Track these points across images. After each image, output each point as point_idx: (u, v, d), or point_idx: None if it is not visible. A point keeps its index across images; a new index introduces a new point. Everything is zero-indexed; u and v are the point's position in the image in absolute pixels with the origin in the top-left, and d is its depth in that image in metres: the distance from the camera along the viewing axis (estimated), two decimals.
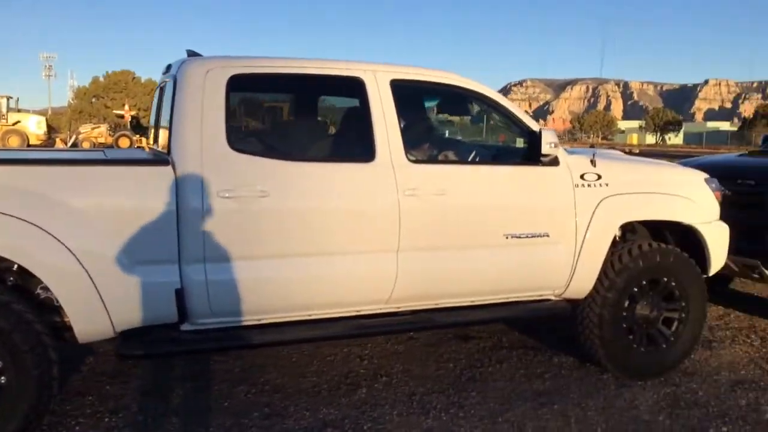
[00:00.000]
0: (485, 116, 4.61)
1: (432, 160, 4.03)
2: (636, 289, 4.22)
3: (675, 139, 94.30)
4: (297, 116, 4.25)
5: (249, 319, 3.45)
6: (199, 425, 3.59)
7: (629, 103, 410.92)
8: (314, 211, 3.46)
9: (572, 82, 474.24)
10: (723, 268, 5.41)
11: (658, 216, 4.27)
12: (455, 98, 4.21)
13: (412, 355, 4.76)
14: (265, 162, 3.42)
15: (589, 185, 4.05)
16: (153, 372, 4.34)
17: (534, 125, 3.96)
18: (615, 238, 4.39)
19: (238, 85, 3.46)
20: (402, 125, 3.72)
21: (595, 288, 4.14)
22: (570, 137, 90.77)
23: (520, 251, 3.92)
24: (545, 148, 3.78)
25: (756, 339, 5.25)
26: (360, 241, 3.56)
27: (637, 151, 46.24)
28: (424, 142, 4.09)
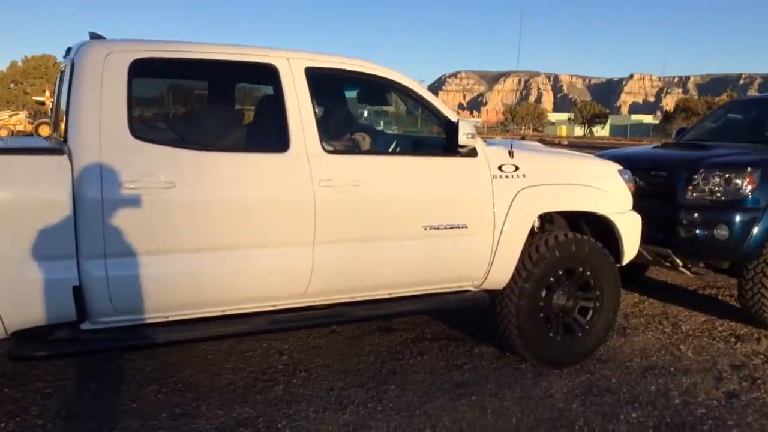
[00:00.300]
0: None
1: (348, 150, 3.95)
2: (552, 279, 4.27)
3: (602, 131, 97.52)
4: (207, 104, 4.08)
5: (155, 317, 3.29)
6: (103, 428, 3.42)
7: (559, 95, 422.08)
8: (224, 203, 3.32)
9: (505, 75, 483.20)
10: (637, 257, 5.57)
11: (573, 207, 4.33)
12: (373, 87, 4.14)
13: (333, 349, 4.68)
14: (171, 152, 3.26)
15: (506, 176, 4.06)
16: (56, 373, 4.11)
17: (452, 116, 3.94)
18: (533, 228, 4.45)
19: (141, 70, 3.27)
20: (318, 114, 3.62)
21: (513, 278, 4.17)
22: (503, 129, 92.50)
23: (438, 243, 3.89)
24: (462, 139, 3.76)
25: (668, 325, 5.42)
26: (273, 233, 3.45)
27: (566, 143, 47.53)
28: (341, 131, 4.01)
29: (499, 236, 4.03)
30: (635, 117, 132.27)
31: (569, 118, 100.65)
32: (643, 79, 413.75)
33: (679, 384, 4.17)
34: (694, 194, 5.22)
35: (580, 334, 4.41)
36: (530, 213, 4.12)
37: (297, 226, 3.49)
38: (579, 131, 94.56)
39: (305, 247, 3.54)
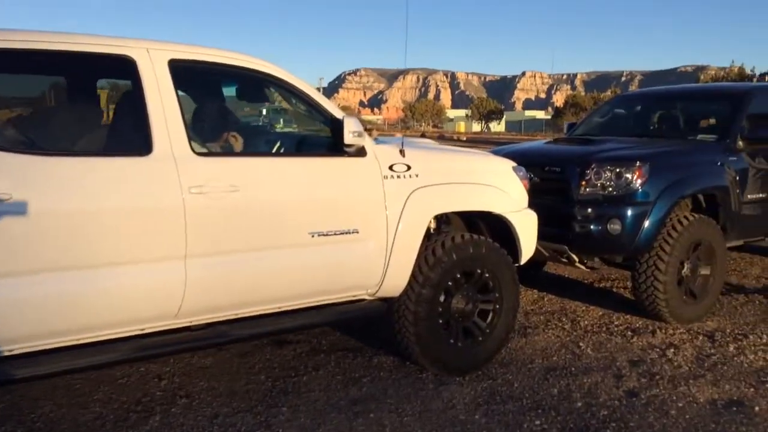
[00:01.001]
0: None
1: (223, 152, 3.56)
2: (451, 283, 4.07)
3: (498, 126, 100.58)
4: (55, 103, 3.58)
5: None
6: None
7: (457, 92, 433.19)
8: (74, 215, 2.86)
9: (404, 72, 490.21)
10: (535, 254, 5.51)
11: (469, 207, 4.14)
12: (249, 83, 3.77)
13: (220, 369, 4.28)
14: (5, 157, 2.76)
15: (398, 176, 3.81)
16: None
17: (337, 113, 3.63)
18: (429, 230, 4.23)
19: None
20: (186, 113, 3.22)
21: (409, 284, 3.93)
22: (403, 126, 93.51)
23: (328, 250, 3.59)
24: (348, 138, 3.47)
25: (567, 322, 5.38)
26: (136, 248, 3.02)
27: (465, 138, 48.54)
28: (215, 131, 3.62)
29: (393, 241, 3.77)
30: (529, 113, 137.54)
31: (467, 115, 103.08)
32: (534, 76, 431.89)
33: (581, 385, 4.07)
34: (587, 189, 5.19)
35: (480, 339, 4.24)
36: (425, 214, 3.89)
37: (164, 239, 3.08)
38: (477, 127, 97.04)
39: (175, 261, 3.13)
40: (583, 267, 5.61)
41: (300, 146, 3.89)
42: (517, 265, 4.47)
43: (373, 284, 3.81)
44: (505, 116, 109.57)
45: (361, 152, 3.69)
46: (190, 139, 3.17)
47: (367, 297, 3.91)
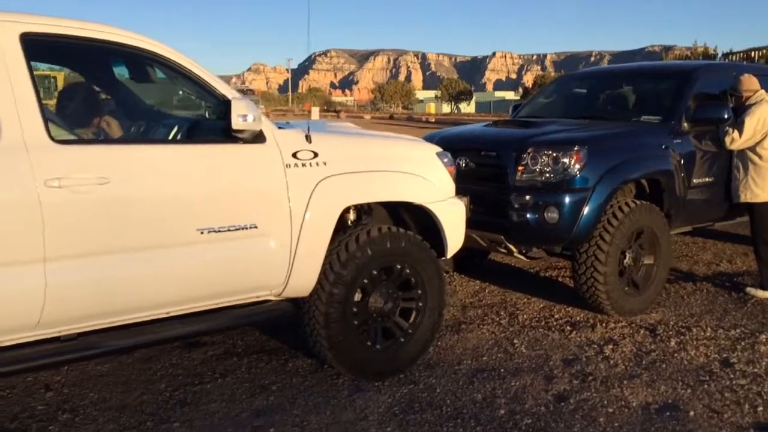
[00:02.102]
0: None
1: (91, 139, 3.14)
2: (367, 281, 3.72)
3: (468, 107, 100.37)
4: None
5: None
6: None
7: (428, 73, 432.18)
8: None
9: (375, 53, 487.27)
10: (472, 244, 5.20)
11: (384, 197, 3.79)
12: (123, 59, 3.34)
13: (116, 377, 3.89)
14: None
15: (303, 165, 3.44)
16: None
17: (229, 93, 3.23)
18: (348, 223, 3.88)
19: None
20: (44, 94, 2.79)
21: (319, 283, 3.57)
22: (372, 107, 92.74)
23: (220, 248, 3.20)
24: (236, 122, 3.07)
25: (505, 316, 5.08)
26: None
27: (433, 120, 48.15)
28: (82, 115, 3.19)
29: (298, 235, 3.40)
30: (498, 93, 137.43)
31: (436, 96, 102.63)
32: (505, 56, 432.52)
33: (507, 389, 3.77)
34: (524, 176, 4.87)
35: (402, 340, 3.91)
36: (334, 206, 3.52)
37: (16, 240, 2.67)
38: (447, 108, 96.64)
39: (32, 265, 2.72)
40: (523, 257, 5.32)
41: (192, 132, 3.48)
42: (442, 258, 4.15)
43: (277, 284, 3.44)
44: (475, 97, 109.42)
45: (258, 138, 3.30)
46: (47, 124, 2.75)
47: (272, 298, 3.55)
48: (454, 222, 4.09)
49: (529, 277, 6.32)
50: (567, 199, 4.73)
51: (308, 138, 3.50)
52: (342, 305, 3.60)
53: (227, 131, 3.13)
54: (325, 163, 3.51)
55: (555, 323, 4.93)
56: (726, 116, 5.31)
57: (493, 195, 4.99)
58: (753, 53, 33.99)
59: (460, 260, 6.17)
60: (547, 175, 4.81)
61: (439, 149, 4.15)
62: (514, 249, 5.09)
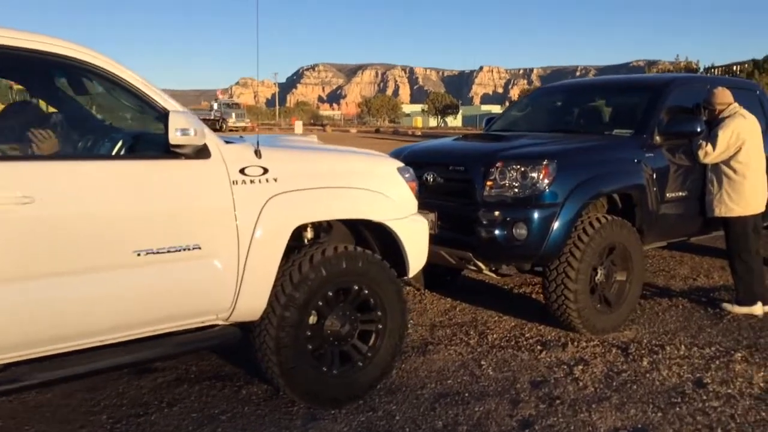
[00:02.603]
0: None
1: (13, 155, 2.96)
2: (322, 303, 3.55)
3: (455, 121, 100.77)
4: None
5: None
6: None
7: (415, 87, 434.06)
8: None
9: (363, 67, 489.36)
10: (441, 261, 5.05)
11: (339, 215, 3.62)
12: (61, 69, 3.16)
13: (58, 408, 3.67)
14: None
15: (252, 181, 3.27)
16: None
17: (169, 106, 3.06)
18: (305, 241, 3.71)
19: None
20: None
21: (270, 306, 3.39)
22: (359, 121, 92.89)
23: (160, 271, 3.02)
24: (174, 137, 2.89)
25: (474, 335, 4.92)
26: None
27: (419, 133, 48.20)
28: (14, 130, 3.01)
29: (246, 256, 3.22)
30: (485, 107, 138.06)
31: (423, 110, 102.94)
32: (492, 71, 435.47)
33: (470, 415, 3.60)
34: (492, 191, 4.73)
35: (361, 364, 3.73)
36: (285, 225, 3.35)
37: None
38: (433, 122, 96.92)
39: None
40: (493, 275, 5.17)
41: (134, 147, 3.30)
42: (405, 277, 3.98)
43: (223, 308, 3.25)
44: (461, 111, 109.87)
45: (202, 153, 3.13)
46: None
47: (220, 322, 3.36)
48: (415, 240, 3.93)
49: (502, 294, 6.16)
50: (536, 215, 4.58)
51: (258, 153, 3.33)
52: (294, 329, 3.42)
53: (167, 146, 2.96)
54: (275, 180, 3.34)
55: (525, 342, 4.76)
56: (698, 129, 5.21)
57: (461, 211, 4.84)
58: (734, 67, 34.35)
59: (432, 277, 6.01)
60: (516, 190, 4.67)
61: (401, 164, 3.99)
62: (483, 266, 4.94)
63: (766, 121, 6.14)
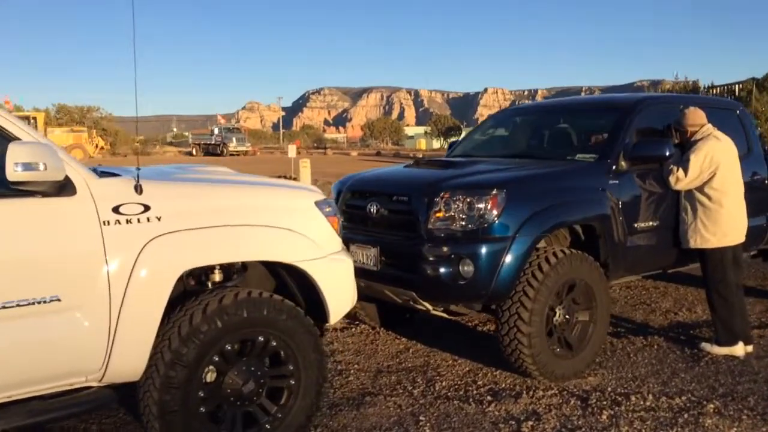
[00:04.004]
0: None
1: None
2: (218, 358, 3.10)
3: None
4: None
5: None
6: None
7: (420, 110, 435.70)
8: None
9: (368, 90, 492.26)
10: (388, 300, 4.62)
11: (237, 257, 3.19)
12: None
13: None
14: None
15: (128, 221, 2.84)
16: None
17: (24, 135, 2.65)
18: (209, 285, 3.29)
19: None
20: None
21: (154, 365, 2.94)
22: (362, 144, 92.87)
23: (11, 328, 2.59)
24: (12, 173, 2.48)
25: (422, 383, 4.44)
26: None
27: (421, 156, 47.95)
28: None
29: (120, 308, 2.79)
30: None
31: (426, 132, 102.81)
32: (497, 92, 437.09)
33: None
34: (438, 224, 4.30)
35: (269, 426, 3.27)
36: (169, 271, 2.92)
37: None
38: (437, 144, 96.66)
39: None
40: (444, 315, 4.71)
41: None
42: (326, 324, 3.54)
43: (92, 369, 2.81)
44: (464, 132, 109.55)
45: (64, 190, 2.72)
46: None
47: (94, 384, 2.91)
48: (336, 282, 3.49)
49: (464, 332, 5.69)
50: (484, 250, 4.14)
51: (138, 188, 2.91)
52: (182, 390, 2.97)
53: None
54: (158, 218, 2.92)
55: (475, 392, 4.29)
56: (667, 153, 4.76)
57: (405, 245, 4.41)
58: (734, 87, 33.85)
59: (389, 314, 5.58)
60: (462, 222, 4.24)
61: (320, 197, 3.56)
62: (429, 307, 4.49)
63: (746, 142, 5.70)
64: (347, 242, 4.66)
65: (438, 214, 4.28)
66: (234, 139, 54.89)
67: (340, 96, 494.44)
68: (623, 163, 4.81)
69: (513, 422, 3.81)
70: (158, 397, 2.93)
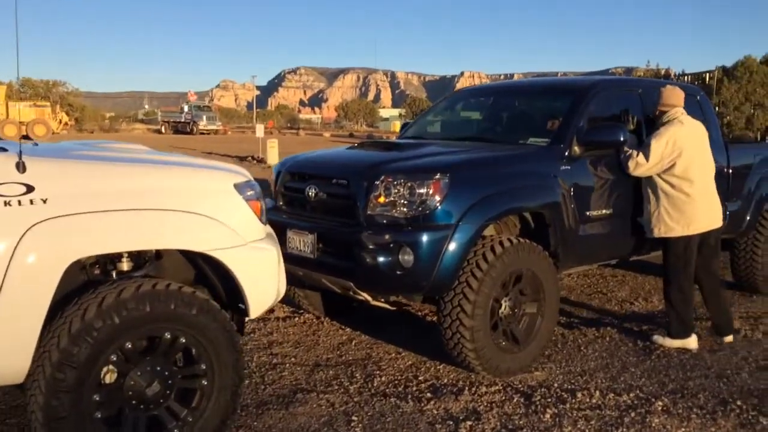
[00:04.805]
0: None
1: None
2: (117, 357, 2.79)
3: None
4: None
5: None
6: None
7: (397, 92, 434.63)
8: None
9: (344, 71, 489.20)
10: (327, 289, 4.35)
11: (138, 244, 2.86)
12: None
13: None
14: None
15: (6, 203, 2.51)
16: None
17: None
18: (113, 275, 2.97)
19: None
20: None
21: (40, 366, 2.63)
22: (336, 125, 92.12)
23: None
24: None
25: (360, 378, 4.19)
26: None
27: (394, 138, 47.54)
28: None
29: None
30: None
31: (400, 114, 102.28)
32: (473, 76, 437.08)
33: None
34: (377, 209, 4.02)
35: None
36: (55, 260, 2.59)
37: None
38: None
39: None
40: (386, 306, 4.45)
41: None
42: (246, 318, 3.25)
43: None
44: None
45: None
46: None
47: None
48: (257, 273, 3.19)
49: (412, 322, 5.44)
50: (424, 238, 3.88)
51: (20, 166, 2.58)
52: (73, 394, 2.66)
53: None
54: (44, 201, 2.59)
55: (415, 388, 4.05)
56: (621, 139, 4.53)
57: (342, 232, 4.13)
58: (704, 75, 34.05)
59: (332, 304, 5.31)
60: (403, 208, 3.97)
61: (241, 179, 3.25)
62: (368, 297, 4.23)
63: (706, 126, 5.49)
64: (285, 227, 4.39)
65: (378, 199, 4.01)
66: (204, 117, 53.83)
67: (317, 76, 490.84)
68: (576, 149, 4.57)
69: (451, 422, 3.58)
70: (44, 402, 2.62)
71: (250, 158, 23.37)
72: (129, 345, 2.81)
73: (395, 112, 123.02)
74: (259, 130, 25.57)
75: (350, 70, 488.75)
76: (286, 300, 5.51)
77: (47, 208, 2.59)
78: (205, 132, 51.77)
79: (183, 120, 54.50)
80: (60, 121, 43.36)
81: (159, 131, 55.74)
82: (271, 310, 5.53)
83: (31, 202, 2.56)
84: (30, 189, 2.57)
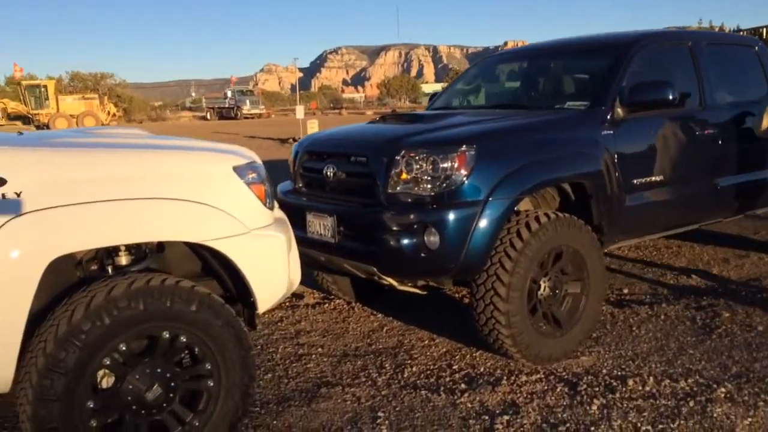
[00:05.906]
0: None
1: None
2: (112, 361, 2.58)
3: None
4: None
5: None
6: None
7: (440, 66, 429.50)
8: None
9: (386, 48, 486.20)
10: (353, 275, 4.07)
11: (125, 237, 2.62)
12: None
13: None
14: None
15: None
16: None
17: None
18: (110, 270, 2.75)
19: None
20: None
21: (27, 374, 2.43)
22: (379, 103, 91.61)
23: None
24: None
25: (390, 369, 3.91)
26: None
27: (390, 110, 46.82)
28: None
29: None
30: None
31: (443, 88, 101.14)
32: (517, 45, 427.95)
33: None
34: (398, 187, 3.70)
35: None
36: (33, 259, 2.37)
37: None
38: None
39: None
40: (414, 290, 4.14)
41: None
42: (255, 312, 2.99)
43: None
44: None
45: None
46: None
47: None
48: (263, 263, 2.93)
49: (448, 306, 5.10)
50: (451, 217, 3.54)
51: None
52: (63, 402, 2.45)
53: None
54: (17, 194, 2.36)
55: (448, 379, 3.74)
56: (671, 97, 4.06)
57: (363, 213, 3.83)
58: (762, 30, 32.16)
59: (363, 288, 5.03)
60: (426, 185, 3.64)
61: (242, 161, 2.97)
62: (394, 282, 3.92)
63: (766, 80, 4.95)
64: (304, 210, 4.12)
65: (399, 177, 3.68)
66: (248, 101, 54.34)
67: (358, 55, 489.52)
68: (620, 111, 4.14)
69: (486, 417, 3.27)
70: (32, 412, 2.42)
71: (291, 140, 23.28)
72: (124, 347, 2.59)
73: (438, 86, 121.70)
74: (299, 111, 25.45)
75: (391, 47, 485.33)
76: (316, 285, 5.27)
77: (21, 202, 2.36)
78: (248, 116, 52.19)
79: (227, 105, 55.05)
80: (108, 113, 44.27)
81: (204, 118, 56.49)
82: (300, 297, 5.30)
83: (3, 196, 2.34)
84: (2, 182, 2.35)
